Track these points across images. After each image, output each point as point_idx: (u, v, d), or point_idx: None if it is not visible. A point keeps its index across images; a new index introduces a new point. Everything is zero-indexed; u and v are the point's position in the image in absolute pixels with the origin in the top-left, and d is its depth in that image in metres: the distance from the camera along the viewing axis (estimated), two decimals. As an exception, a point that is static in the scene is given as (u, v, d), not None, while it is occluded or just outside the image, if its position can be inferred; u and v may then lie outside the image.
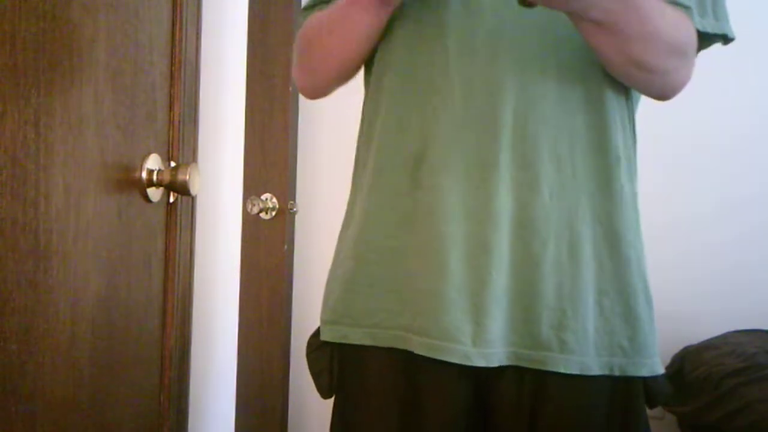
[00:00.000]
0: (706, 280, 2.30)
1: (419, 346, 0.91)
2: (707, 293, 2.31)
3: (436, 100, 0.92)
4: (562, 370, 0.89)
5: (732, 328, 2.16)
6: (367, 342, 0.95)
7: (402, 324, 0.93)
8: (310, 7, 1.07)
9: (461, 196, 0.90)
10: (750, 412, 1.65)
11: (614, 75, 0.90)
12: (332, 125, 2.35)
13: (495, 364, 0.90)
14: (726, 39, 0.94)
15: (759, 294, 2.29)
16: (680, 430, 1.97)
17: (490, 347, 0.89)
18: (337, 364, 0.99)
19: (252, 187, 1.97)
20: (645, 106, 0.99)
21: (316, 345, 1.01)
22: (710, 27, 0.91)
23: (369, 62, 1.02)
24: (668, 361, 2.08)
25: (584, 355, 0.89)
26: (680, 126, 2.29)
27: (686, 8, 0.90)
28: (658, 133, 2.22)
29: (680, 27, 0.88)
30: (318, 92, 1.08)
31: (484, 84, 0.90)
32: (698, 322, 2.25)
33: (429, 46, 0.93)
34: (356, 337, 0.96)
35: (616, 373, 0.90)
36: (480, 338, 0.89)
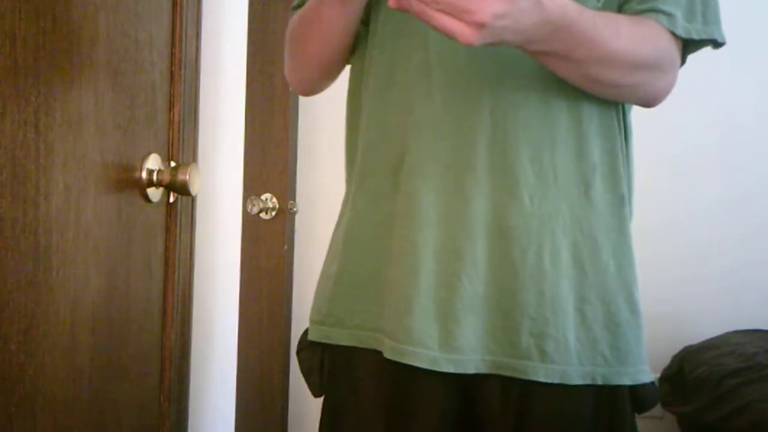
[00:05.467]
0: (707, 280, 2.30)
1: (388, 350, 0.91)
2: (708, 293, 2.31)
3: (416, 103, 0.92)
4: (543, 380, 0.88)
5: (732, 328, 2.16)
6: (350, 343, 0.96)
7: (379, 326, 0.94)
8: (296, 7, 1.08)
9: (437, 201, 0.90)
10: (750, 412, 1.65)
11: (582, 90, 0.89)
12: (332, 125, 2.33)
13: (470, 371, 0.90)
14: (716, 44, 0.92)
15: (759, 294, 2.29)
16: (680, 430, 1.97)
17: (460, 354, 0.89)
18: (328, 362, 1.00)
19: (252, 187, 1.97)
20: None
21: (305, 343, 1.02)
22: (696, 33, 0.89)
23: (355, 63, 1.03)
24: (668, 361, 2.08)
25: (566, 364, 0.88)
26: (680, 125, 2.29)
27: (668, 15, 0.88)
28: (658, 132, 2.22)
29: (645, 43, 0.86)
30: (307, 89, 1.10)
31: (464, 88, 0.90)
32: (698, 322, 2.25)
33: (410, 49, 0.93)
34: (340, 337, 0.97)
35: (599, 382, 0.89)
36: (448, 344, 0.89)
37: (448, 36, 0.72)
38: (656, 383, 0.95)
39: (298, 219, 2.26)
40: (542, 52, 0.82)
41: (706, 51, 0.97)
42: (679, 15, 0.89)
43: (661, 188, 2.27)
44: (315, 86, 1.08)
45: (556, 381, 0.88)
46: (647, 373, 0.92)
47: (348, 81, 1.06)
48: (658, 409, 2.00)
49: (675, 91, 0.95)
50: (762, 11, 2.30)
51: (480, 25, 0.70)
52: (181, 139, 1.08)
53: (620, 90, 0.91)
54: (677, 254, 2.30)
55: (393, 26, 0.95)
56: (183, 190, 1.02)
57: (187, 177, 1.01)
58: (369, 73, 0.98)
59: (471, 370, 0.90)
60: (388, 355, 0.91)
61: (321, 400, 1.03)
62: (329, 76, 1.05)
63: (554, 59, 0.84)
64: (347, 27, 0.95)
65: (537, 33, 0.76)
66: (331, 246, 1.03)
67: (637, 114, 0.99)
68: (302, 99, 2.14)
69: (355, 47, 1.01)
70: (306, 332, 1.02)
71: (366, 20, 0.99)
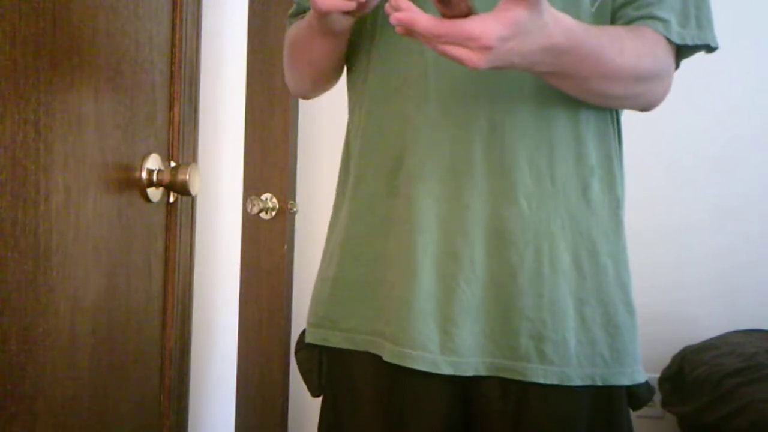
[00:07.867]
0: (707, 281, 2.31)
1: (388, 353, 0.92)
2: (707, 294, 2.31)
3: (413, 108, 0.93)
4: (542, 381, 0.89)
5: (732, 328, 2.16)
6: (346, 346, 0.97)
7: (376, 330, 0.94)
8: (293, 15, 1.08)
9: (435, 205, 0.91)
10: (750, 412, 1.65)
11: (584, 101, 0.90)
12: (332, 125, 2.34)
13: (469, 373, 0.90)
14: (709, 48, 0.92)
15: (759, 294, 2.29)
16: (680, 430, 1.97)
17: (459, 356, 0.90)
18: (326, 363, 1.00)
19: (252, 187, 1.97)
20: (646, 113, 0.98)
21: (303, 344, 1.03)
22: (690, 38, 0.90)
23: (352, 68, 1.03)
24: (668, 361, 2.08)
25: (565, 365, 0.89)
26: (680, 130, 2.30)
27: (663, 21, 0.88)
28: (660, 139, 2.24)
29: (645, 55, 0.87)
30: (303, 95, 1.14)
31: (462, 93, 0.91)
32: (698, 322, 2.25)
33: (408, 55, 0.93)
34: (336, 340, 0.97)
35: (599, 383, 0.90)
36: (447, 347, 0.90)
37: (456, 62, 0.73)
38: (650, 382, 0.96)
39: (298, 219, 2.26)
40: (550, 73, 0.82)
41: (704, 58, 0.97)
42: (673, 21, 0.89)
43: (663, 193, 2.29)
44: (311, 94, 1.11)
45: (555, 382, 0.89)
46: (642, 373, 0.93)
47: (347, 85, 1.06)
48: (658, 409, 2.00)
49: (676, 98, 0.95)
50: (760, 17, 2.31)
51: (486, 49, 0.71)
52: (181, 139, 1.08)
53: (622, 101, 0.92)
54: (678, 256, 2.30)
55: (391, 33, 0.95)
56: (183, 190, 1.02)
57: (187, 177, 1.01)
58: (367, 79, 0.99)
59: (470, 372, 0.90)
60: (387, 358, 0.92)
61: (320, 400, 1.03)
62: (323, 88, 1.08)
63: (560, 78, 0.84)
64: (335, 52, 0.98)
65: (544, 56, 0.76)
66: (326, 250, 1.04)
67: (637, 121, 0.99)
68: (302, 99, 2.14)
69: (355, 54, 1.01)
70: (303, 333, 1.03)
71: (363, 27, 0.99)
